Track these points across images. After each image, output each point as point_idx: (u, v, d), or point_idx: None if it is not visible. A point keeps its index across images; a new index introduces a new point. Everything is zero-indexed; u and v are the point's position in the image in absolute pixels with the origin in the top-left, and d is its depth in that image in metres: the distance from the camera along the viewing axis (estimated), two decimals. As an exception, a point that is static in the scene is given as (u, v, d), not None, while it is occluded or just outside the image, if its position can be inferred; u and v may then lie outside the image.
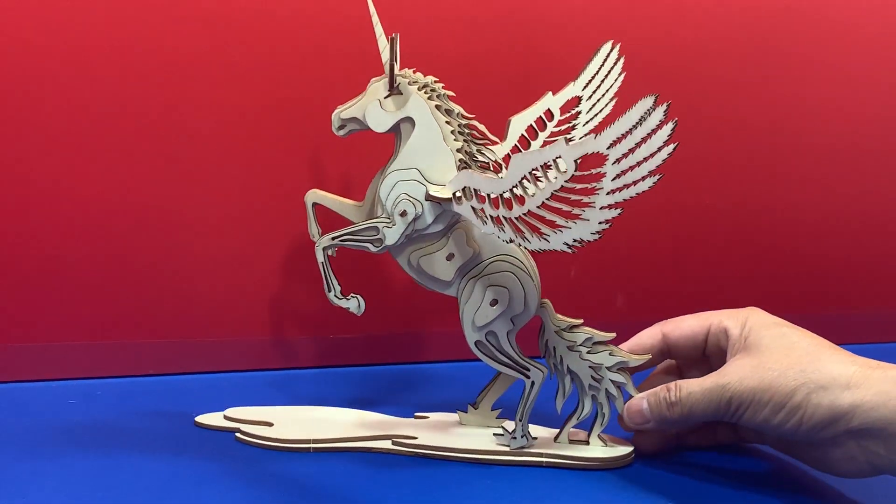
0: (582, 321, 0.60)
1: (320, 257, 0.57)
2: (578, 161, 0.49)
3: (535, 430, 0.61)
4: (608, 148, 0.48)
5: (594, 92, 0.63)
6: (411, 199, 0.56)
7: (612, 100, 0.63)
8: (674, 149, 0.47)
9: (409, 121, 0.56)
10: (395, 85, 0.56)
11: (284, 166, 0.74)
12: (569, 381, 0.60)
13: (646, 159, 0.48)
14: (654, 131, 0.47)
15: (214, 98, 0.72)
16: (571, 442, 0.61)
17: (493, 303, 0.58)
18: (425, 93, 0.56)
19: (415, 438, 0.61)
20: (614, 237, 0.52)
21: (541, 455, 0.59)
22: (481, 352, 0.59)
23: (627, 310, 0.83)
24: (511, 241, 0.54)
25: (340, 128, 0.57)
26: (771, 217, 0.85)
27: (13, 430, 0.63)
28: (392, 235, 0.57)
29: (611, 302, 0.82)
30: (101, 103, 0.70)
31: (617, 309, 0.83)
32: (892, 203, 0.88)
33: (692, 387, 0.56)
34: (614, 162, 0.48)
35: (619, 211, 0.49)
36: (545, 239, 0.52)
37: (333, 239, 0.57)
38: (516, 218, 0.52)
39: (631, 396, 0.60)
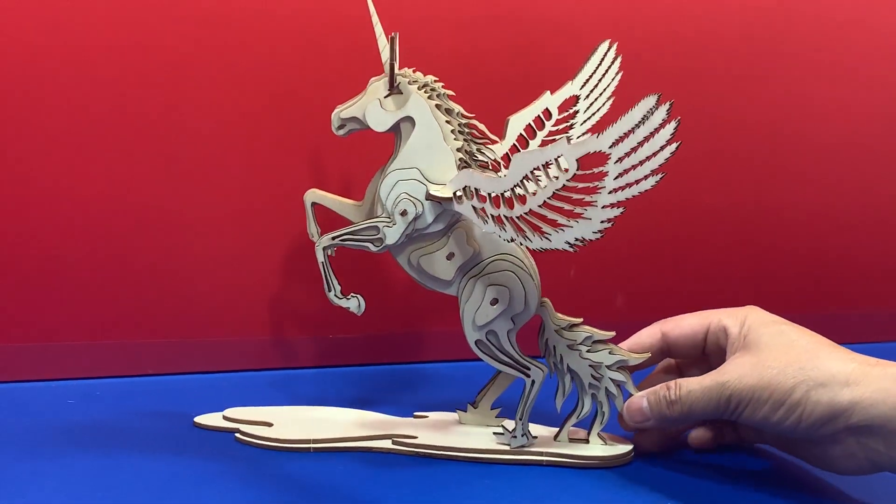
0: (582, 320, 0.60)
1: (320, 257, 0.57)
2: (580, 160, 0.49)
3: (535, 428, 0.61)
4: (610, 147, 0.48)
5: (592, 91, 0.63)
6: (412, 199, 0.56)
7: (609, 99, 0.63)
8: (676, 147, 0.47)
9: (410, 120, 0.56)
10: (396, 84, 0.56)
11: (284, 166, 0.74)
12: (569, 379, 0.60)
13: (648, 158, 0.48)
14: (656, 130, 0.47)
15: (214, 98, 0.72)
16: (571, 441, 0.61)
17: (494, 302, 0.58)
18: (425, 92, 0.56)
19: (415, 438, 0.61)
20: (614, 237, 0.52)
21: (541, 454, 0.59)
22: (482, 351, 0.59)
23: (627, 309, 0.83)
24: (512, 240, 0.54)
25: (340, 127, 0.57)
26: (770, 216, 0.85)
27: (12, 430, 0.63)
28: (392, 235, 0.57)
29: (610, 301, 0.82)
30: (101, 103, 0.70)
31: (616, 308, 0.83)
32: (892, 202, 0.88)
33: (692, 385, 0.56)
34: (616, 161, 0.48)
35: (621, 210, 0.49)
36: (547, 238, 0.52)
37: (334, 238, 0.57)
38: (518, 217, 0.53)
39: (631, 395, 0.60)
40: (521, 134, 0.61)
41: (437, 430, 0.63)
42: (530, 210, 0.52)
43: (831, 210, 0.87)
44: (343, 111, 0.56)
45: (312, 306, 0.76)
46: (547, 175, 0.51)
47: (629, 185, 0.48)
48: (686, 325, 0.61)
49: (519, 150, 0.60)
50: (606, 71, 0.63)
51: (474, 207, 0.54)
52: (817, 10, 0.83)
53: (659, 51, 0.79)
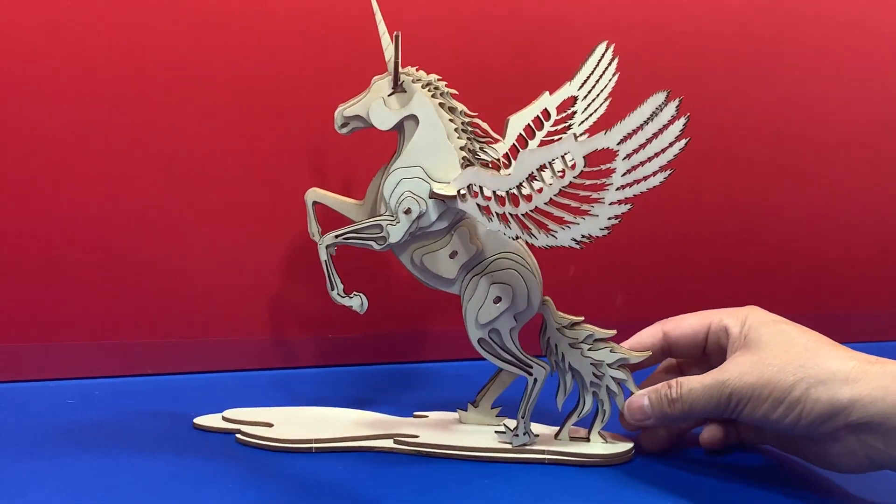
0: (583, 318, 0.60)
1: (323, 256, 0.57)
2: (587, 157, 0.49)
3: (536, 427, 0.61)
4: (618, 143, 0.48)
5: (589, 92, 0.63)
6: (415, 197, 0.56)
7: (606, 100, 0.64)
8: (686, 144, 0.47)
9: (413, 118, 0.56)
10: (400, 83, 0.56)
11: (284, 165, 0.74)
12: (570, 378, 0.61)
13: (657, 154, 0.48)
14: (665, 127, 0.47)
15: (214, 98, 0.72)
16: (572, 439, 0.61)
17: (497, 300, 0.58)
18: (429, 90, 0.56)
19: (416, 437, 0.61)
20: (613, 236, 0.52)
21: (543, 452, 0.60)
22: (484, 349, 0.59)
23: (627, 309, 0.83)
24: (517, 237, 0.54)
25: (343, 125, 0.57)
26: (770, 216, 0.86)
27: (12, 430, 0.63)
28: (396, 233, 0.57)
29: (610, 301, 0.83)
30: (101, 103, 0.70)
31: (616, 308, 0.83)
32: (893, 202, 0.89)
33: (693, 383, 0.57)
34: (625, 157, 0.48)
35: (628, 206, 0.50)
36: (553, 235, 0.52)
37: (337, 237, 0.57)
38: (523, 214, 0.53)
39: (631, 393, 0.60)
40: (520, 134, 0.61)
41: (438, 430, 0.63)
42: (536, 207, 0.52)
43: (832, 209, 0.87)
44: (346, 109, 0.56)
45: (312, 306, 0.76)
46: (553, 172, 0.51)
47: (637, 181, 0.49)
48: (687, 324, 0.62)
49: (518, 150, 0.61)
50: (604, 72, 0.64)
51: (479, 205, 0.54)
52: (817, 9, 0.83)
53: (658, 50, 0.80)
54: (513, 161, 0.60)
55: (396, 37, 0.55)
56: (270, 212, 0.74)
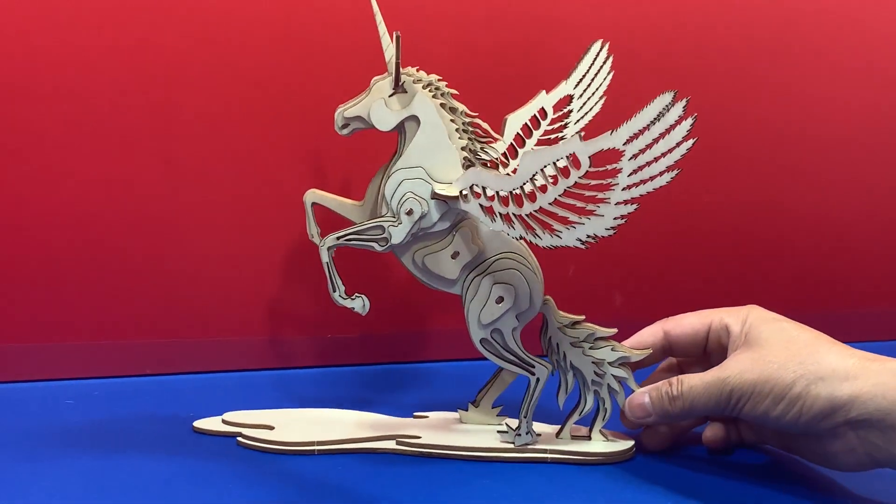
0: (584, 317, 0.60)
1: (325, 257, 0.57)
2: (592, 157, 0.49)
3: (537, 426, 0.61)
4: (624, 144, 0.48)
5: (585, 90, 0.64)
6: (417, 198, 0.56)
7: (601, 98, 0.64)
8: (693, 143, 0.47)
9: (414, 119, 0.56)
10: (400, 83, 0.55)
11: (283, 166, 0.74)
12: (571, 377, 0.61)
13: (664, 154, 0.48)
14: (672, 127, 0.47)
15: (213, 98, 0.72)
16: (573, 438, 0.61)
17: (500, 300, 0.58)
18: (430, 91, 0.56)
19: (418, 438, 0.61)
20: (613, 236, 0.52)
21: (545, 451, 0.60)
22: (487, 350, 0.59)
23: (626, 309, 0.83)
24: (521, 238, 0.54)
25: (344, 126, 0.56)
26: (770, 216, 0.86)
27: (10, 431, 0.63)
28: (398, 234, 0.56)
29: (609, 301, 0.83)
30: (100, 104, 0.70)
31: (615, 308, 0.83)
32: (892, 202, 0.89)
33: (693, 381, 0.57)
34: (631, 158, 0.48)
35: (634, 206, 0.50)
36: (557, 235, 0.52)
37: (339, 238, 0.57)
38: (527, 215, 0.53)
39: (632, 391, 0.60)
40: (517, 133, 0.61)
41: (440, 430, 0.63)
42: (540, 208, 0.52)
43: (832, 209, 0.87)
44: (347, 110, 0.56)
45: (312, 306, 0.76)
46: (558, 172, 0.51)
47: (643, 181, 0.49)
48: (688, 323, 0.62)
49: (516, 149, 0.61)
50: (599, 70, 0.64)
51: (482, 206, 0.54)
52: (817, 8, 0.83)
53: (657, 50, 0.80)
54: (511, 160, 0.60)
55: (397, 37, 0.54)
56: (270, 212, 0.74)
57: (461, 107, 0.57)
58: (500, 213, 0.54)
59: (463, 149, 0.56)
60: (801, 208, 0.86)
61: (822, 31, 0.83)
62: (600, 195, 0.50)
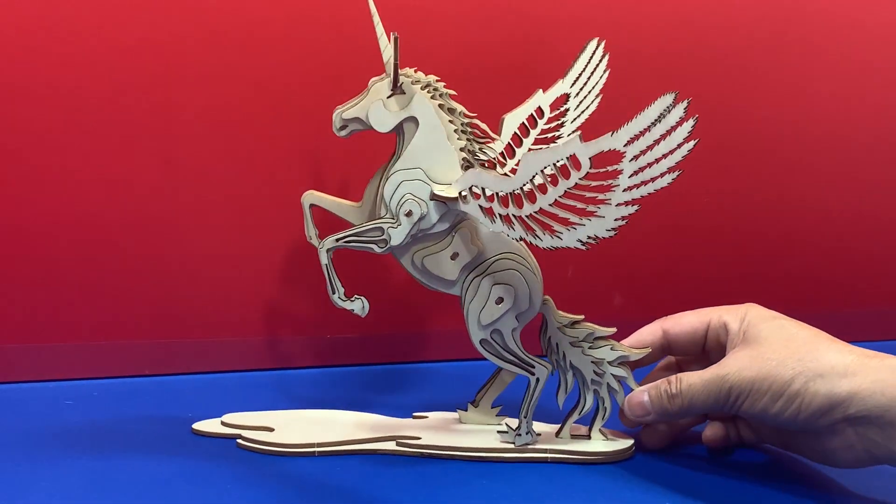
0: (583, 317, 0.60)
1: (324, 259, 0.57)
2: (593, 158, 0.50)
3: (537, 426, 0.61)
4: (625, 145, 0.48)
5: (581, 89, 0.64)
6: (416, 199, 0.56)
7: (597, 96, 0.64)
8: (694, 145, 0.47)
9: (413, 120, 0.56)
10: (399, 84, 0.55)
11: (281, 168, 0.74)
12: (571, 376, 0.61)
13: (665, 156, 0.48)
14: (673, 128, 0.47)
15: (212, 99, 0.71)
16: (573, 437, 0.61)
17: (499, 301, 0.58)
18: (428, 92, 0.56)
19: (418, 439, 0.61)
20: (612, 237, 0.52)
21: (545, 451, 0.60)
22: (486, 350, 0.59)
23: (625, 309, 0.83)
24: (521, 239, 0.54)
25: (342, 128, 0.56)
26: (769, 215, 0.85)
27: (10, 432, 0.63)
28: (398, 236, 0.56)
29: (608, 301, 0.83)
30: (100, 104, 0.70)
31: (614, 308, 0.83)
32: (892, 201, 0.89)
33: (692, 379, 0.57)
34: (631, 159, 0.48)
35: (635, 207, 0.50)
36: (558, 236, 0.52)
37: (338, 240, 0.57)
38: (527, 216, 0.53)
39: (632, 390, 0.60)
40: (515, 132, 0.61)
41: (440, 431, 0.63)
42: (540, 209, 0.52)
43: (832, 208, 0.87)
44: (345, 112, 0.56)
45: (311, 306, 0.76)
46: (559, 173, 0.51)
47: (645, 182, 0.49)
48: (686, 322, 0.62)
49: (514, 149, 0.61)
50: (595, 69, 0.64)
51: (481, 207, 0.54)
52: (817, 8, 0.83)
53: (655, 49, 0.79)
54: (509, 160, 0.60)
55: (395, 38, 0.54)
56: (269, 213, 0.74)
57: (459, 107, 0.57)
58: (500, 215, 0.53)
59: (462, 149, 0.56)
60: (801, 208, 0.86)
61: (822, 30, 0.83)
62: (601, 196, 0.50)
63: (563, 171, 0.50)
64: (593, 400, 0.61)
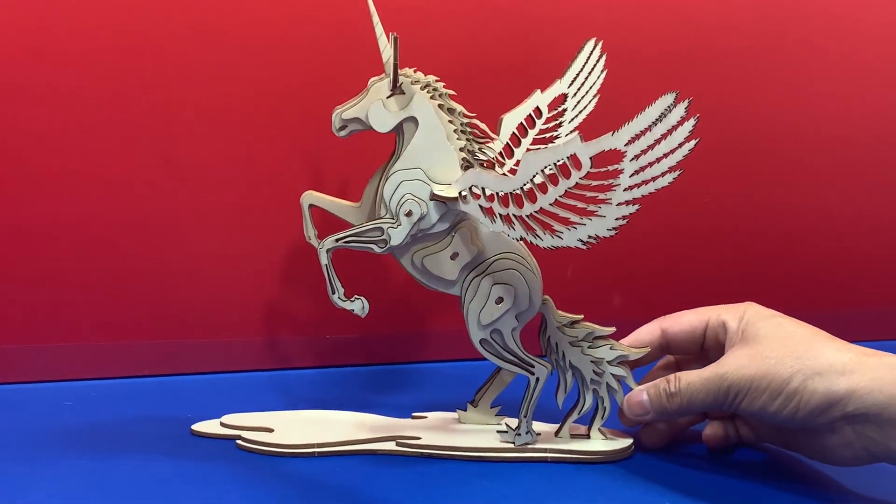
0: (582, 316, 0.60)
1: (324, 259, 0.57)
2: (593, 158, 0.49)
3: (536, 425, 0.61)
4: (626, 144, 0.48)
5: (579, 89, 0.64)
6: (416, 199, 0.56)
7: (595, 96, 0.64)
8: (695, 144, 0.47)
9: (413, 120, 0.56)
10: (398, 84, 0.55)
11: (280, 168, 0.74)
12: (570, 376, 0.61)
13: (665, 155, 0.48)
14: (674, 127, 0.47)
15: (211, 100, 0.71)
16: (573, 436, 0.61)
17: (499, 300, 0.58)
18: (428, 92, 0.56)
19: (418, 439, 0.61)
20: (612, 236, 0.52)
21: (545, 451, 0.60)
22: (486, 350, 0.59)
23: (624, 308, 0.83)
24: (521, 238, 0.54)
25: (342, 128, 0.56)
26: (769, 215, 0.85)
27: (9, 432, 0.63)
28: (398, 236, 0.56)
29: (607, 300, 0.83)
30: (100, 105, 0.70)
31: (614, 307, 0.83)
32: (892, 201, 0.89)
33: (691, 377, 0.57)
34: (632, 158, 0.48)
35: (636, 207, 0.50)
36: (558, 236, 0.52)
37: (338, 241, 0.57)
38: (527, 215, 0.53)
39: (631, 389, 0.61)
40: (513, 132, 0.61)
41: (439, 431, 0.63)
42: (541, 208, 0.52)
43: (832, 208, 0.87)
44: (345, 112, 0.56)
45: (311, 307, 0.76)
46: (559, 173, 0.51)
47: (646, 182, 0.49)
48: (685, 321, 0.62)
49: (512, 149, 0.61)
50: (592, 69, 0.64)
51: (482, 207, 0.54)
52: (817, 7, 0.83)
53: (654, 49, 0.79)
54: (507, 159, 0.60)
55: (394, 38, 0.54)
56: (269, 213, 0.74)
57: (459, 107, 0.57)
58: (501, 214, 0.53)
59: (461, 149, 0.56)
60: (801, 208, 0.86)
61: (822, 30, 0.83)
62: (602, 196, 0.50)
63: (564, 171, 0.50)
64: (592, 399, 0.61)
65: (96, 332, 0.73)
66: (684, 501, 0.55)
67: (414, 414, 0.66)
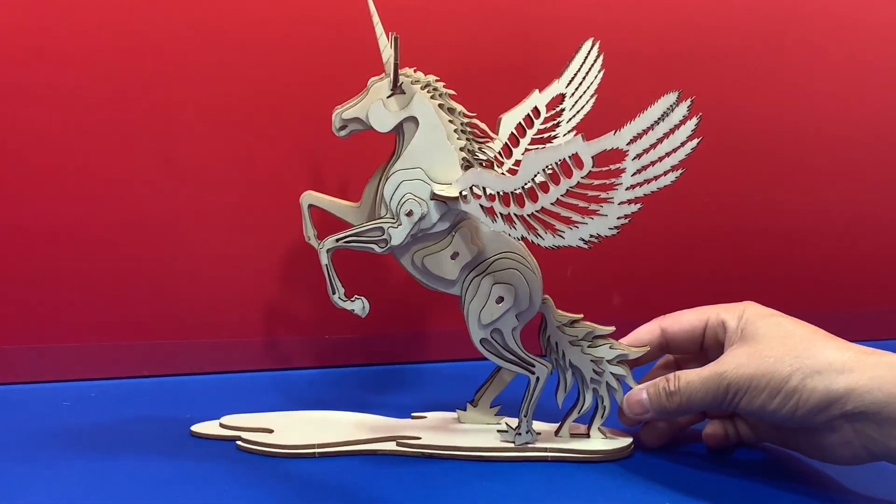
0: (582, 316, 0.60)
1: (324, 259, 0.57)
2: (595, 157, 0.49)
3: (536, 425, 0.61)
4: (628, 143, 0.48)
5: (577, 89, 0.64)
6: (417, 199, 0.56)
7: (592, 96, 0.64)
8: (698, 143, 0.47)
9: (413, 120, 0.56)
10: (399, 84, 0.55)
11: (280, 168, 0.74)
12: (570, 375, 0.61)
13: (668, 154, 0.48)
14: (676, 126, 0.47)
15: (211, 100, 0.71)
16: (572, 436, 0.61)
17: (500, 300, 0.58)
18: (428, 92, 0.56)
19: (418, 439, 0.61)
20: (611, 236, 0.52)
21: (545, 450, 0.60)
22: (487, 350, 0.59)
23: (624, 308, 0.83)
24: (522, 238, 0.54)
25: (342, 128, 0.56)
26: (769, 215, 0.85)
27: (8, 432, 0.63)
28: (398, 235, 0.56)
29: (607, 300, 0.83)
30: (100, 105, 0.70)
31: (613, 307, 0.83)
32: (892, 201, 0.88)
33: (690, 376, 0.57)
34: (634, 157, 0.48)
35: (638, 206, 0.50)
36: (560, 235, 0.52)
37: (338, 241, 0.57)
38: (528, 215, 0.53)
39: (631, 388, 0.61)
40: (512, 132, 0.61)
41: (439, 431, 0.63)
42: (542, 208, 0.52)
43: (832, 208, 0.87)
44: (345, 112, 0.56)
45: (311, 307, 0.76)
46: (561, 172, 0.51)
47: (648, 181, 0.49)
48: (685, 320, 0.62)
49: (511, 148, 0.61)
50: (590, 69, 0.64)
51: (482, 206, 0.54)
52: (817, 7, 0.82)
53: (654, 49, 0.79)
54: (506, 159, 0.60)
55: (394, 38, 0.54)
56: (269, 213, 0.74)
57: (459, 107, 0.57)
58: (501, 214, 0.53)
59: (461, 149, 0.56)
60: (801, 208, 0.86)
61: (822, 30, 0.83)
62: (603, 195, 0.50)
63: (566, 170, 0.50)
64: (592, 398, 0.61)
65: (96, 332, 0.73)
66: (684, 500, 0.55)
67: (414, 414, 0.66)
